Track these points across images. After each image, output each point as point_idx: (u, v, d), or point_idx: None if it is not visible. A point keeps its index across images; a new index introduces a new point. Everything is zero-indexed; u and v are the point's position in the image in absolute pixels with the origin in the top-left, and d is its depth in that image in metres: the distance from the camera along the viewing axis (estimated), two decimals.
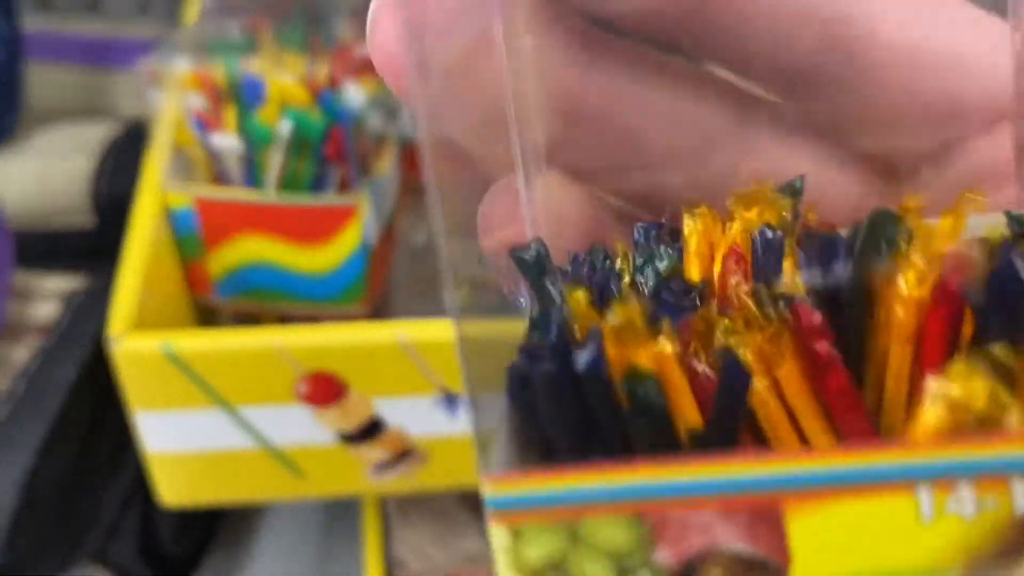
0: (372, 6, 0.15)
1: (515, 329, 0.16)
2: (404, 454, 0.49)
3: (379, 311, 0.56)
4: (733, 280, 0.15)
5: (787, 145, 0.18)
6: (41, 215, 0.61)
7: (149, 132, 0.54)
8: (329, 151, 0.50)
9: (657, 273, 0.15)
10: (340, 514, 0.63)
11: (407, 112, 0.53)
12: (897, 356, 0.14)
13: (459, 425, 0.48)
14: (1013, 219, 0.15)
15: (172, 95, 0.53)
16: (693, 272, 0.15)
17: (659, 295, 0.15)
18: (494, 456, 0.14)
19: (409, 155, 0.56)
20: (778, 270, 0.15)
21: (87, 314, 0.55)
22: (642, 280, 0.15)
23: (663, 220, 0.17)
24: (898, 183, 0.17)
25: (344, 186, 0.51)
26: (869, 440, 0.14)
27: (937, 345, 0.13)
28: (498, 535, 0.14)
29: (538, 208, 0.17)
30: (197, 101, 0.51)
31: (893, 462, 0.13)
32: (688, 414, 0.14)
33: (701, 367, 0.14)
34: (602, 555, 0.14)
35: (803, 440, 0.14)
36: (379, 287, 0.56)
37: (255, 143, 0.50)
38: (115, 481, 0.55)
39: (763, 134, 0.17)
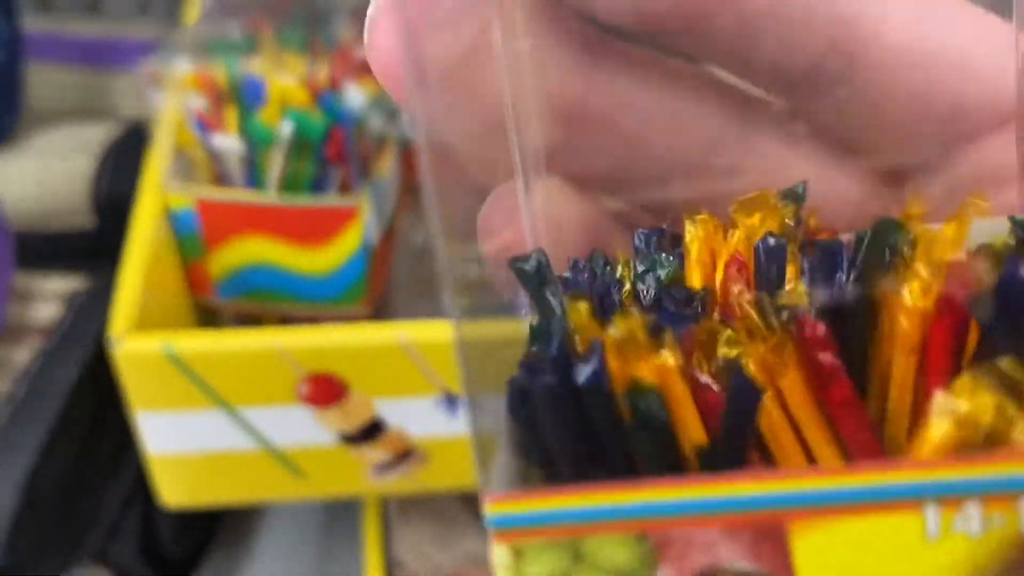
0: (370, 9, 0.15)
1: (514, 331, 0.15)
2: (405, 455, 0.49)
3: (379, 312, 0.56)
4: (735, 288, 0.15)
5: (790, 148, 0.17)
6: (41, 216, 0.61)
7: (150, 133, 0.54)
8: (330, 152, 0.50)
9: (658, 281, 0.15)
10: (340, 515, 0.63)
11: (407, 114, 0.53)
12: (901, 367, 0.14)
13: (460, 426, 0.48)
14: (1017, 224, 0.15)
15: (173, 96, 0.53)
16: (694, 280, 0.15)
17: (661, 304, 0.15)
18: (495, 472, 0.14)
19: (410, 156, 0.56)
20: (781, 278, 0.15)
21: (88, 315, 0.55)
22: (643, 288, 0.15)
23: (664, 226, 0.16)
24: (901, 186, 0.17)
25: (345, 187, 0.51)
26: (873, 452, 0.14)
27: (941, 356, 0.13)
28: (499, 553, 0.14)
29: (538, 213, 0.17)
30: (198, 102, 0.51)
31: (899, 480, 0.13)
32: (691, 427, 0.14)
33: (704, 378, 0.14)
34: (604, 574, 0.14)
35: (806, 450, 0.14)
36: (380, 288, 0.56)
37: (256, 144, 0.50)
38: (116, 482, 0.55)
39: (766, 137, 0.17)
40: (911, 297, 0.13)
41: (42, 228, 0.60)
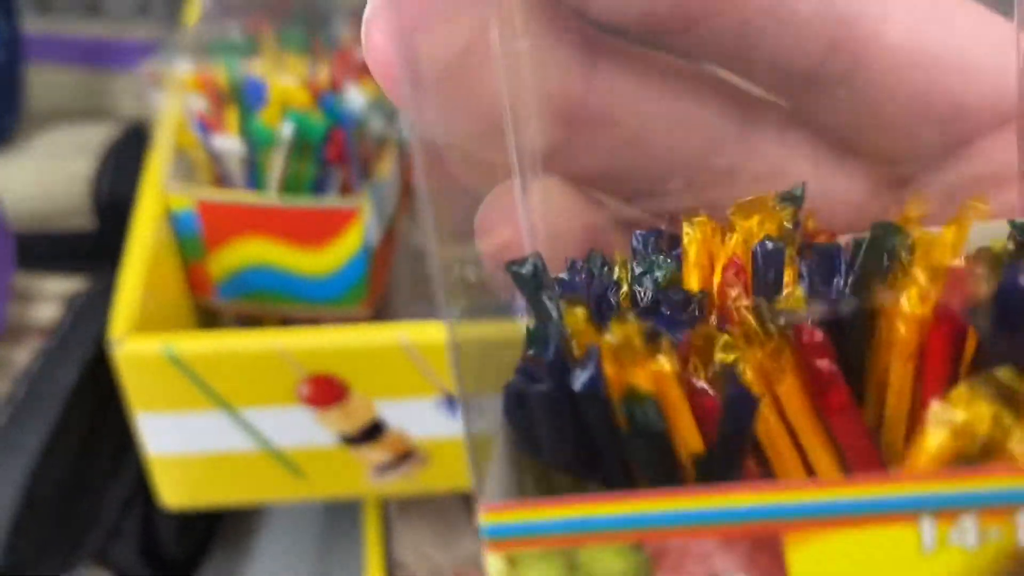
0: (367, 9, 0.15)
1: (511, 333, 0.15)
2: (405, 456, 0.49)
3: (380, 313, 0.56)
4: (733, 293, 0.14)
5: (789, 149, 0.17)
6: (42, 216, 0.61)
7: (150, 133, 0.54)
8: (330, 153, 0.50)
9: (656, 283, 0.15)
10: (341, 515, 0.63)
11: (405, 115, 0.53)
12: (898, 373, 0.14)
13: (460, 427, 0.48)
14: (1016, 228, 0.15)
15: (173, 96, 0.53)
16: (692, 282, 0.15)
17: (657, 308, 0.15)
18: (489, 480, 0.14)
19: (410, 158, 0.56)
20: (778, 282, 0.15)
21: (88, 316, 0.55)
22: (640, 290, 0.15)
23: (662, 227, 0.16)
24: (901, 186, 0.17)
25: (345, 188, 0.52)
26: (870, 459, 0.14)
27: (939, 363, 0.13)
28: (494, 562, 0.14)
29: (535, 213, 0.17)
30: (198, 103, 0.51)
31: (895, 493, 0.13)
32: (687, 435, 0.14)
33: (700, 384, 0.14)
34: None
35: (803, 457, 0.14)
36: (380, 289, 0.56)
37: (256, 145, 0.50)
38: (116, 482, 0.55)
39: (765, 137, 0.17)
40: (909, 304, 0.13)
41: (42, 229, 0.61)
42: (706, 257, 0.15)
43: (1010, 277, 0.13)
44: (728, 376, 0.13)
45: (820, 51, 0.16)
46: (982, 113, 0.16)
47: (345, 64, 0.54)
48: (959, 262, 0.14)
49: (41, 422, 0.50)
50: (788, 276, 0.15)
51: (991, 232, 0.15)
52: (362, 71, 0.53)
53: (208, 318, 0.56)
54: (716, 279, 0.15)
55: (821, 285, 0.14)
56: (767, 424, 0.14)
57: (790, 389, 0.14)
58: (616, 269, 0.16)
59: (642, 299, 0.15)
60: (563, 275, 0.16)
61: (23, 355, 0.53)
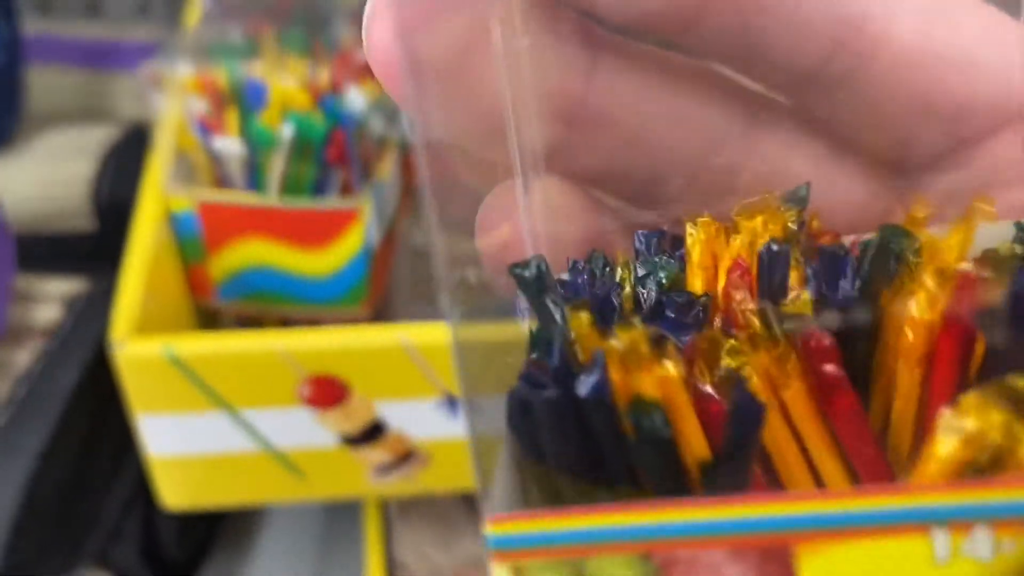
0: (367, 8, 0.15)
1: (513, 334, 0.15)
2: (406, 456, 0.49)
3: (380, 314, 0.56)
4: (738, 296, 0.14)
5: (792, 147, 0.17)
6: (42, 218, 0.61)
7: (150, 135, 0.54)
8: (331, 155, 0.50)
9: (659, 285, 0.15)
10: (341, 516, 0.63)
11: (406, 115, 0.53)
12: (906, 378, 0.14)
13: (461, 428, 0.48)
14: (1022, 229, 0.15)
15: (174, 99, 0.53)
16: (696, 284, 0.15)
17: (661, 309, 0.15)
18: (494, 489, 0.14)
19: (410, 158, 0.56)
20: (784, 285, 0.15)
21: (89, 317, 0.55)
22: (643, 292, 0.15)
23: (664, 228, 0.16)
24: (906, 185, 0.17)
25: (346, 190, 0.52)
26: (876, 464, 0.14)
27: (947, 369, 0.13)
28: (500, 573, 0.14)
29: (537, 212, 0.17)
30: (199, 105, 0.51)
31: (907, 504, 0.13)
32: (694, 441, 0.13)
33: (707, 388, 0.14)
34: None
35: (809, 462, 0.14)
36: (380, 290, 0.56)
37: (257, 147, 0.50)
38: (117, 484, 0.55)
39: (769, 136, 0.17)
40: (918, 309, 0.13)
41: (43, 230, 0.60)
42: (710, 258, 0.15)
43: (1020, 282, 0.13)
44: (735, 383, 0.13)
45: (824, 50, 0.16)
46: (988, 113, 0.16)
47: (345, 65, 0.54)
48: (967, 265, 0.14)
49: (42, 423, 0.50)
50: (793, 279, 0.15)
51: (996, 233, 0.15)
52: (362, 72, 0.53)
53: (208, 319, 0.56)
54: (720, 281, 0.15)
55: (828, 289, 0.14)
56: (773, 429, 0.14)
57: (796, 394, 0.13)
58: (618, 270, 0.16)
59: (645, 301, 0.15)
60: (564, 276, 0.16)
61: (24, 356, 0.53)
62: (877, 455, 0.14)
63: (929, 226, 0.15)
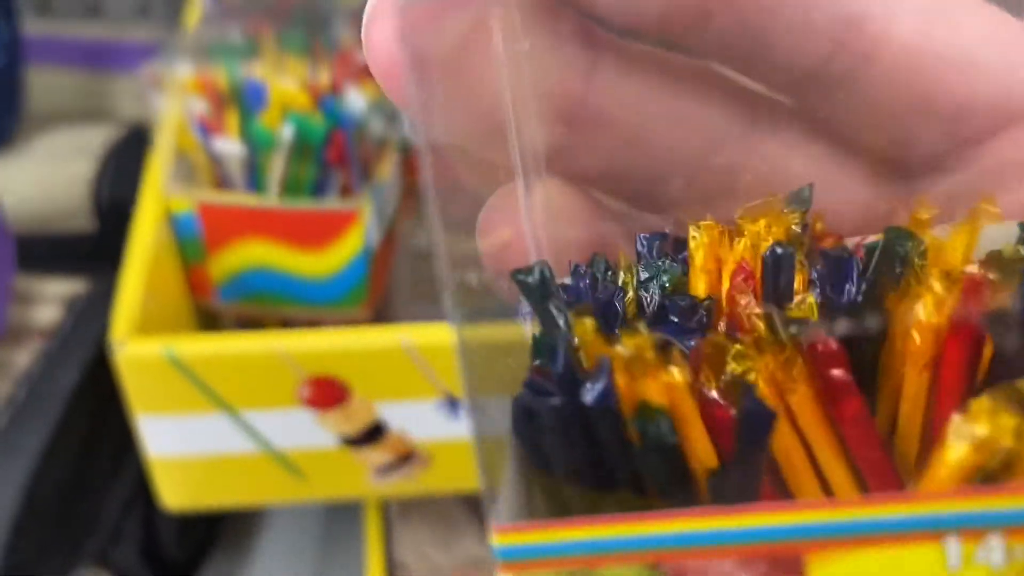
0: (367, 9, 0.15)
1: (516, 335, 0.15)
2: (406, 457, 0.49)
3: (380, 315, 0.56)
4: (743, 300, 0.14)
5: (794, 147, 0.17)
6: (42, 219, 0.61)
7: (150, 136, 0.54)
8: (331, 155, 0.50)
9: (662, 288, 0.15)
10: (341, 517, 0.63)
11: (406, 116, 0.53)
12: (913, 383, 0.14)
13: (461, 428, 0.48)
14: None
15: (174, 99, 0.53)
16: (699, 288, 0.15)
17: (664, 313, 0.15)
18: (500, 498, 0.14)
19: (410, 159, 0.56)
20: (789, 288, 0.14)
21: (89, 318, 0.55)
22: (646, 296, 0.15)
23: (667, 230, 0.16)
24: (908, 186, 0.17)
25: (346, 190, 0.52)
26: (883, 470, 0.14)
27: (955, 373, 0.13)
28: None
29: (538, 214, 0.17)
30: (199, 105, 0.51)
31: (918, 512, 0.13)
32: (700, 448, 0.13)
33: (713, 394, 0.13)
34: None
35: (815, 467, 0.14)
36: (380, 291, 0.56)
37: (257, 147, 0.50)
38: (117, 484, 0.55)
39: (770, 136, 0.17)
40: (924, 312, 0.13)
41: (43, 231, 0.60)
42: (713, 262, 0.15)
43: None
44: (743, 390, 0.13)
45: (825, 50, 0.16)
46: (989, 113, 0.16)
47: (345, 66, 0.54)
48: (972, 268, 0.14)
49: (42, 424, 0.50)
50: (798, 282, 0.15)
51: (999, 234, 0.14)
52: (362, 73, 0.53)
53: (208, 320, 0.56)
54: (724, 284, 0.15)
55: (833, 292, 0.14)
56: (779, 434, 0.14)
57: (803, 399, 0.13)
58: (621, 274, 0.16)
59: (648, 305, 0.15)
60: (567, 280, 0.16)
61: (24, 357, 0.53)
62: (884, 460, 0.14)
63: (932, 228, 0.15)
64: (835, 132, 0.17)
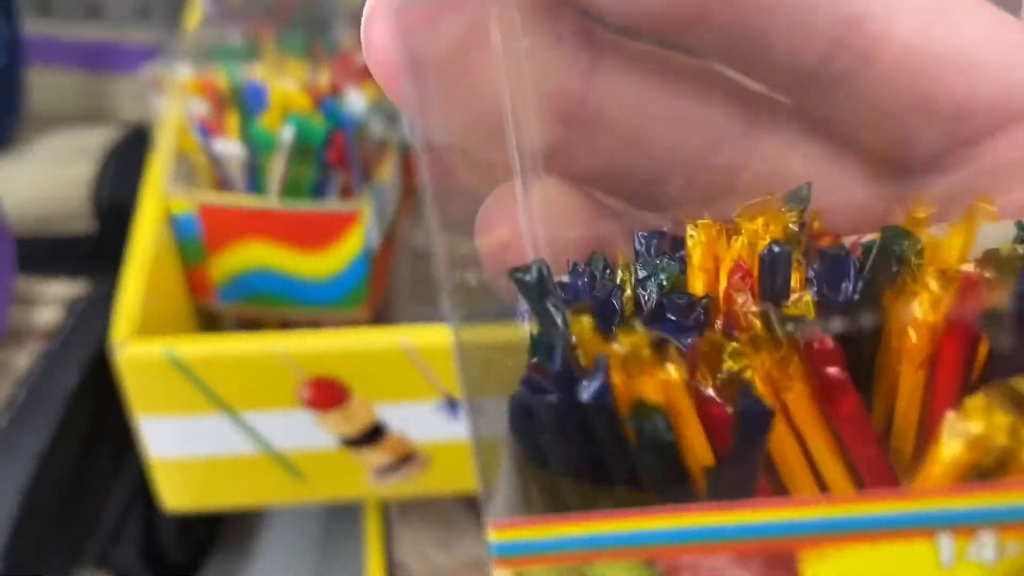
0: (366, 9, 0.15)
1: (514, 336, 0.15)
2: (406, 458, 0.49)
3: (380, 316, 0.56)
4: (740, 299, 0.14)
5: (794, 147, 0.17)
6: (42, 220, 0.61)
7: (150, 137, 0.54)
8: (331, 157, 0.50)
9: (660, 287, 0.15)
10: (341, 517, 0.63)
11: (405, 116, 0.53)
12: (909, 381, 0.14)
13: (461, 429, 0.48)
14: (1023, 229, 0.15)
15: (174, 100, 0.53)
16: (697, 286, 0.15)
17: (662, 311, 0.15)
18: (496, 494, 0.14)
19: (410, 161, 0.56)
20: (786, 287, 0.14)
21: (89, 319, 0.55)
22: (644, 294, 0.15)
23: (665, 229, 0.16)
24: (907, 185, 0.17)
25: (346, 192, 0.52)
26: (879, 467, 0.14)
27: (951, 371, 0.13)
28: None
29: (536, 213, 0.17)
30: (199, 107, 0.51)
31: (912, 509, 0.13)
32: (697, 445, 0.13)
33: (709, 392, 0.13)
34: None
35: (811, 464, 0.14)
36: (380, 292, 0.56)
37: (257, 149, 0.50)
38: (117, 485, 0.55)
39: (770, 135, 0.17)
40: (920, 310, 0.13)
41: (43, 232, 0.61)
42: (710, 260, 0.15)
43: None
44: (741, 388, 0.13)
45: (825, 50, 0.16)
46: (988, 113, 0.16)
47: (345, 68, 0.54)
48: (969, 267, 0.14)
49: (42, 425, 0.50)
50: (795, 280, 0.15)
51: (996, 233, 0.14)
52: (362, 75, 0.53)
53: (209, 321, 0.56)
54: (721, 283, 0.15)
55: (830, 290, 0.14)
56: (775, 432, 0.14)
57: (799, 396, 0.13)
58: (619, 272, 0.16)
59: (646, 303, 0.15)
60: (564, 278, 0.16)
61: (24, 358, 0.53)
62: (880, 457, 0.14)
63: (929, 226, 0.15)
64: (835, 132, 0.17)
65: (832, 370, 0.13)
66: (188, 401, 0.46)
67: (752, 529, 0.13)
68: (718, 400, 0.13)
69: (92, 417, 0.53)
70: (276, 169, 0.50)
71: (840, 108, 0.17)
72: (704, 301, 0.15)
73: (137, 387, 0.45)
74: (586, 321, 0.14)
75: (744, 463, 0.13)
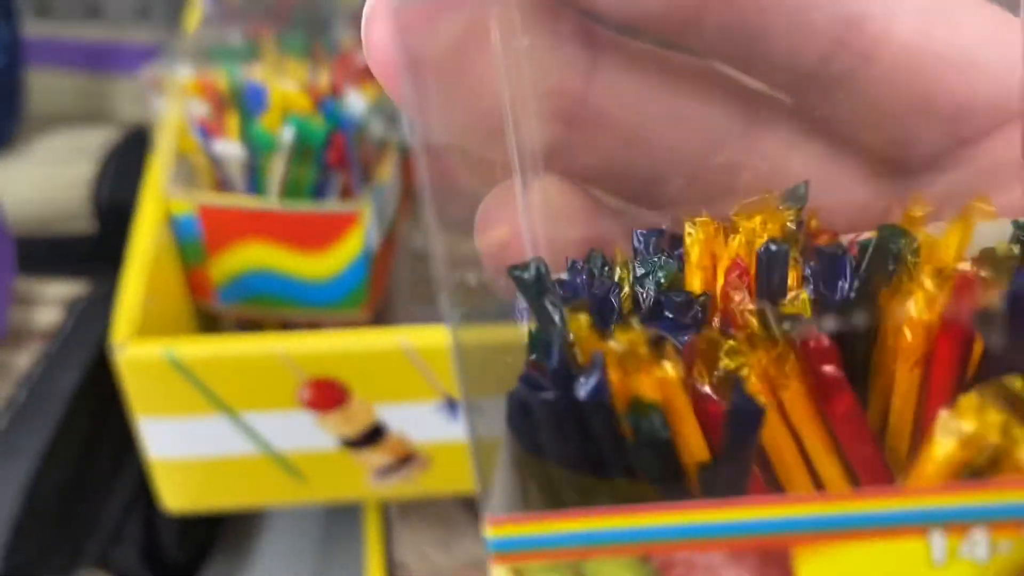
0: (366, 7, 0.15)
1: (513, 336, 0.15)
2: (406, 459, 0.49)
3: (380, 317, 0.56)
4: (737, 297, 0.14)
5: (794, 146, 0.17)
6: (42, 221, 0.61)
7: (150, 138, 0.54)
8: (331, 158, 0.50)
9: (658, 284, 0.15)
10: (341, 518, 0.63)
11: (405, 116, 0.53)
12: (904, 379, 0.14)
13: (461, 430, 0.48)
14: (1020, 227, 0.15)
15: (174, 101, 0.53)
16: (694, 284, 0.15)
17: (660, 309, 0.15)
18: (494, 491, 0.14)
19: (410, 161, 0.56)
20: (783, 285, 0.14)
21: (89, 320, 0.55)
22: (642, 291, 0.15)
23: (664, 226, 0.16)
24: (906, 184, 0.17)
25: (346, 193, 0.52)
26: (874, 465, 0.14)
27: (945, 369, 0.13)
28: (499, 574, 0.14)
29: (535, 211, 0.17)
30: (199, 108, 0.51)
31: (905, 506, 0.13)
32: (693, 442, 0.13)
33: (705, 389, 0.13)
34: None
35: (807, 462, 0.14)
36: (380, 293, 0.56)
37: (257, 150, 0.50)
38: (117, 486, 0.55)
39: (770, 135, 0.17)
40: (916, 309, 0.13)
41: (43, 233, 0.61)
42: (708, 258, 0.15)
43: (1020, 284, 0.13)
44: (733, 386, 0.13)
45: (824, 50, 0.16)
46: (988, 113, 0.16)
47: (345, 69, 0.54)
48: (965, 265, 0.14)
49: (42, 426, 0.50)
50: (792, 278, 0.15)
51: (994, 232, 0.15)
52: (362, 75, 0.53)
53: (209, 322, 0.56)
54: (719, 280, 0.15)
55: (826, 289, 0.14)
56: (771, 429, 0.14)
57: (795, 394, 0.13)
58: (617, 270, 0.16)
59: (644, 301, 0.15)
60: (563, 276, 0.16)
61: (24, 359, 0.53)
62: (875, 455, 0.14)
63: (927, 225, 0.15)
64: (835, 131, 0.17)
65: (828, 368, 0.13)
66: (188, 402, 0.46)
67: (746, 526, 0.13)
68: (714, 397, 0.13)
69: (92, 418, 0.53)
70: (276, 170, 0.50)
71: (840, 108, 0.17)
72: (702, 299, 0.15)
73: (137, 388, 0.45)
74: (583, 319, 0.14)
75: (736, 460, 0.13)
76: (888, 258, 0.14)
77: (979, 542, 0.13)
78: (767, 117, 0.17)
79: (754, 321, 0.14)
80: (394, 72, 0.15)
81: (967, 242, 0.14)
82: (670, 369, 0.13)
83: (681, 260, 0.15)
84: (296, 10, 0.59)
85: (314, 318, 0.54)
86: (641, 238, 0.16)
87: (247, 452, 0.48)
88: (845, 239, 0.16)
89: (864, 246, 0.14)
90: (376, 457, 0.49)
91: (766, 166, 0.17)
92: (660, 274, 0.15)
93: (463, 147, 0.17)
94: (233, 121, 0.50)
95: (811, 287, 0.14)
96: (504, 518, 0.14)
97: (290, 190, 0.51)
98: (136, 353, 0.44)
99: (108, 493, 0.55)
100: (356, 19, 0.59)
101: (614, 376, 0.13)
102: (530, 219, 0.16)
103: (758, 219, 0.15)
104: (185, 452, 0.48)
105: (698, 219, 0.15)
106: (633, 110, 0.17)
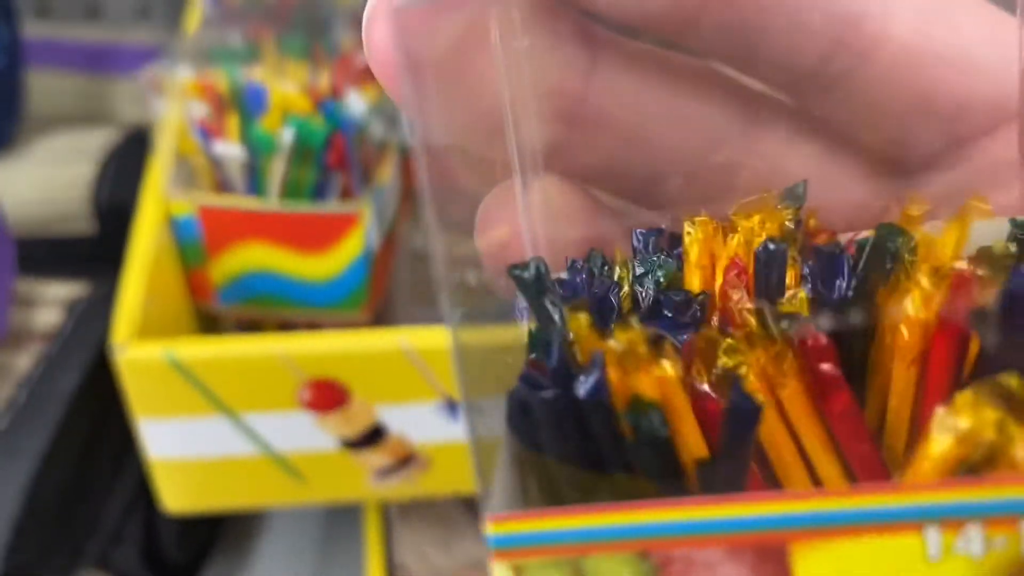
0: (367, 8, 0.15)
1: (513, 336, 0.15)
2: (406, 460, 0.50)
3: (380, 317, 0.56)
4: (735, 296, 0.14)
5: (793, 145, 0.17)
6: (42, 222, 0.61)
7: (150, 139, 0.54)
8: (331, 159, 0.50)
9: (657, 284, 0.15)
10: (341, 519, 0.63)
11: (405, 116, 0.53)
12: (901, 377, 0.14)
13: (461, 431, 0.48)
14: (1017, 226, 0.15)
15: (174, 102, 0.53)
16: (693, 283, 0.15)
17: (659, 310, 0.15)
18: (494, 488, 0.14)
19: (410, 162, 0.57)
20: (781, 284, 0.15)
21: (89, 321, 0.55)
22: (641, 291, 0.15)
23: (663, 226, 0.16)
24: (903, 183, 0.17)
25: (346, 194, 0.52)
26: (872, 463, 0.14)
27: (942, 367, 0.13)
28: (500, 571, 0.14)
29: (536, 212, 0.17)
30: (199, 109, 0.51)
31: (901, 503, 0.13)
32: (692, 441, 0.14)
33: (704, 387, 0.14)
34: None
35: (805, 460, 0.14)
36: (380, 294, 0.56)
37: (257, 151, 0.50)
38: (117, 487, 0.55)
39: (769, 134, 0.17)
40: (913, 308, 0.13)
41: (43, 234, 0.61)
42: (707, 257, 0.15)
43: (1016, 282, 0.13)
44: (732, 384, 0.13)
45: (823, 49, 0.16)
46: (986, 112, 0.16)
47: (345, 70, 0.54)
48: (962, 264, 0.14)
49: (42, 427, 0.50)
50: (790, 277, 0.15)
51: (991, 231, 0.15)
52: (362, 76, 0.53)
53: (209, 323, 0.56)
54: (718, 280, 0.15)
55: (824, 288, 0.14)
56: (770, 427, 0.14)
57: (793, 393, 0.14)
58: (617, 269, 0.16)
59: (643, 300, 0.15)
60: (563, 275, 0.16)
61: (24, 360, 0.54)
62: (873, 453, 0.14)
63: (925, 224, 0.15)
64: (833, 131, 0.17)
65: (826, 367, 0.13)
66: (188, 403, 0.46)
67: (744, 522, 0.13)
68: (713, 396, 0.14)
69: (92, 419, 0.53)
70: (276, 171, 0.50)
71: (839, 107, 0.17)
72: (700, 298, 0.15)
73: (137, 389, 0.45)
74: (583, 318, 0.14)
75: (735, 458, 0.14)
76: (886, 257, 0.14)
77: (974, 538, 0.13)
78: (766, 117, 0.17)
79: (752, 320, 0.14)
80: (394, 72, 0.15)
81: (964, 241, 0.14)
82: (669, 368, 0.13)
83: (680, 259, 0.16)
84: (296, 11, 0.59)
85: (314, 319, 0.54)
86: (640, 237, 0.16)
87: (247, 453, 0.48)
88: (843, 238, 0.16)
89: (862, 245, 0.14)
90: (376, 458, 0.49)
91: (765, 165, 0.17)
92: (659, 273, 0.15)
93: (463, 147, 0.17)
94: (233, 122, 0.50)
95: (809, 286, 0.14)
96: (504, 515, 0.14)
97: (290, 191, 0.51)
98: (136, 354, 0.44)
99: (108, 494, 0.55)
100: (356, 20, 0.59)
101: (613, 375, 0.13)
102: (530, 219, 0.16)
103: (757, 218, 0.15)
104: (185, 453, 0.48)
105: (697, 218, 0.16)
106: (633, 110, 0.17)
